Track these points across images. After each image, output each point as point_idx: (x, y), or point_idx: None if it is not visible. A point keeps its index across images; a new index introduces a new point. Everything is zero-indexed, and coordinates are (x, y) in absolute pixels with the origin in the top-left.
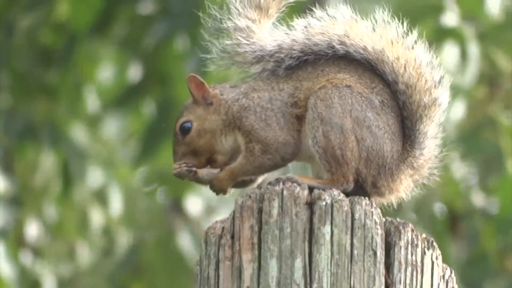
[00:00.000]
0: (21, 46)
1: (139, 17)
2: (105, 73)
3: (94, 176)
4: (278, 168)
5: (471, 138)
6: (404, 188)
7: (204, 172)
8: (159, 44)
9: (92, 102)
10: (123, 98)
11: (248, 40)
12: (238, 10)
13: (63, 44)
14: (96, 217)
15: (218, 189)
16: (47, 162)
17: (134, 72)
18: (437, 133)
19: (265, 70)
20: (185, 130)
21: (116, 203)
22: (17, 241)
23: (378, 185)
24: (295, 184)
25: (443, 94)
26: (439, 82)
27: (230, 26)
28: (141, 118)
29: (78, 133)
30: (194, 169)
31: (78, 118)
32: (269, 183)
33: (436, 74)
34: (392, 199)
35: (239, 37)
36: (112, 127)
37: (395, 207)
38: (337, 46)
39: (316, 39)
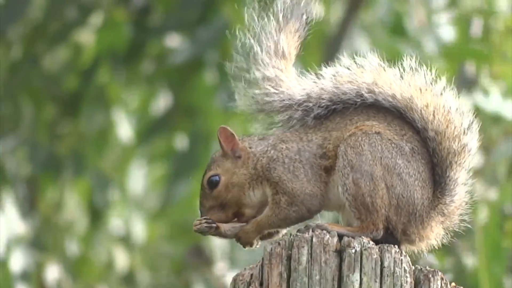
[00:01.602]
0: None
1: (167, 51)
2: (134, 104)
3: (118, 219)
4: (304, 220)
5: None
6: (435, 235)
7: (226, 227)
8: (187, 76)
9: (122, 128)
10: (153, 129)
11: (277, 89)
12: (265, 60)
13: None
14: (120, 259)
15: (245, 241)
16: (71, 199)
17: (163, 104)
18: (467, 179)
19: (292, 119)
20: (213, 184)
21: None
22: (39, 284)
23: (408, 233)
24: (324, 232)
25: (472, 140)
26: (468, 128)
27: (258, 76)
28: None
29: (105, 164)
30: (215, 225)
31: (106, 150)
32: (299, 230)
33: (465, 120)
34: (422, 246)
35: (268, 87)
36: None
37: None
38: (366, 95)
39: (344, 87)
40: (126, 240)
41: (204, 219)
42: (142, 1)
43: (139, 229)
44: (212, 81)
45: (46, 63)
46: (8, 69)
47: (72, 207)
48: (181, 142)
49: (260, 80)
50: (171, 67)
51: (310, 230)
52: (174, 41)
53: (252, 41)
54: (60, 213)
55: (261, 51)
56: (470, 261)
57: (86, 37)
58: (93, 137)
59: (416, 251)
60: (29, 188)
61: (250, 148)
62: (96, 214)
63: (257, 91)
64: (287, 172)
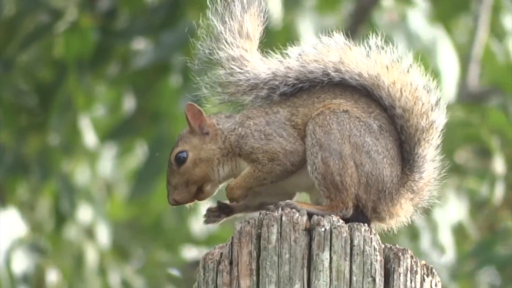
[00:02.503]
0: (16, 81)
1: (132, 53)
2: (99, 108)
3: (85, 213)
4: (289, 174)
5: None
6: (405, 212)
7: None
8: (153, 80)
9: (88, 136)
10: (117, 133)
11: (242, 69)
12: (229, 40)
13: (55, 77)
14: (91, 254)
15: (231, 197)
16: (40, 199)
17: (128, 108)
18: (435, 156)
19: (258, 97)
20: (180, 160)
21: (104, 239)
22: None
23: (378, 210)
24: (294, 210)
25: (440, 117)
26: (436, 104)
27: (223, 56)
28: (136, 156)
29: (72, 167)
30: (223, 217)
31: (73, 153)
32: (268, 208)
33: (433, 97)
34: (392, 223)
35: (233, 66)
36: (108, 163)
37: (395, 232)
38: (333, 74)
39: (311, 66)
40: (93, 239)
41: (210, 211)
42: (108, 5)
43: (105, 234)
44: (177, 85)
45: (17, 68)
46: None
47: (41, 209)
48: (141, 147)
49: (225, 60)
50: (135, 70)
51: (280, 209)
52: (140, 44)
53: (215, 21)
54: (31, 215)
55: (225, 30)
56: None
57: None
58: (59, 143)
59: (385, 228)
60: None
61: (217, 125)
62: (61, 219)
63: (221, 72)
64: (260, 140)
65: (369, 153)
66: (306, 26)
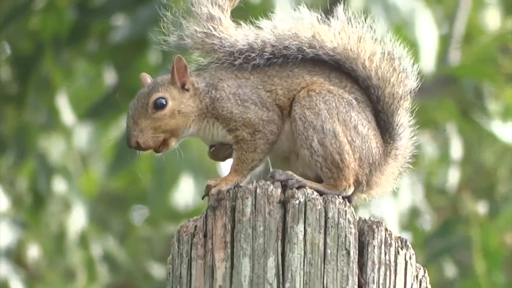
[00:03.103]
0: None
1: (111, 29)
2: (78, 84)
3: (61, 189)
4: (271, 144)
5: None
6: (390, 181)
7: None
8: (131, 57)
9: (65, 113)
10: (96, 109)
11: (218, 34)
12: None
13: (32, 54)
14: (71, 228)
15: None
16: (19, 175)
17: (108, 84)
18: (410, 121)
19: (230, 64)
20: (158, 106)
21: (81, 215)
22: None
23: (370, 183)
24: (268, 183)
25: (414, 83)
26: (411, 71)
27: (203, 12)
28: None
29: (49, 145)
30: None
31: (50, 129)
32: (272, 177)
33: (407, 64)
34: (376, 194)
35: (210, 27)
36: (84, 138)
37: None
38: (307, 50)
39: (286, 42)
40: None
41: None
42: None
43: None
44: (157, 62)
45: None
46: None
47: (20, 186)
48: (120, 123)
49: (204, 16)
50: (112, 45)
51: (291, 189)
52: (119, 21)
53: None
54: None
55: None
56: None
57: (32, 21)
58: (37, 122)
59: (366, 198)
60: None
61: (197, 84)
62: (39, 196)
63: (198, 29)
64: (237, 106)
65: (356, 128)
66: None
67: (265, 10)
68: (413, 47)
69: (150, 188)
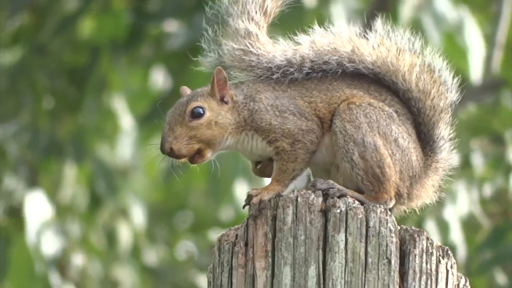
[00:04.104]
0: (49, 65)
1: (165, 35)
2: (133, 89)
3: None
4: (312, 153)
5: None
6: (430, 194)
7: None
8: (185, 63)
9: (124, 117)
10: (151, 115)
11: (256, 51)
12: (251, 12)
13: (88, 59)
14: (124, 234)
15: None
16: (73, 179)
17: (162, 90)
18: (450, 134)
19: (267, 78)
20: (196, 115)
21: (140, 219)
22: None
23: (411, 196)
24: (309, 192)
25: (455, 95)
26: (452, 84)
27: (241, 28)
28: None
29: (107, 150)
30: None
31: (108, 134)
32: (313, 186)
33: (448, 77)
34: (416, 206)
35: (248, 44)
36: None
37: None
38: (347, 64)
39: (326, 57)
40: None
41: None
42: None
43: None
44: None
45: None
46: (13, 61)
47: (74, 191)
48: None
49: (241, 32)
50: (169, 52)
51: (332, 198)
52: (172, 27)
53: None
54: (61, 196)
55: (251, 1)
56: None
57: (87, 26)
58: (94, 125)
59: (406, 210)
60: (30, 173)
61: (235, 96)
62: (97, 201)
63: (235, 46)
64: (275, 117)
65: (397, 141)
66: (338, 9)
67: (320, 18)
68: (462, 55)
69: (206, 194)
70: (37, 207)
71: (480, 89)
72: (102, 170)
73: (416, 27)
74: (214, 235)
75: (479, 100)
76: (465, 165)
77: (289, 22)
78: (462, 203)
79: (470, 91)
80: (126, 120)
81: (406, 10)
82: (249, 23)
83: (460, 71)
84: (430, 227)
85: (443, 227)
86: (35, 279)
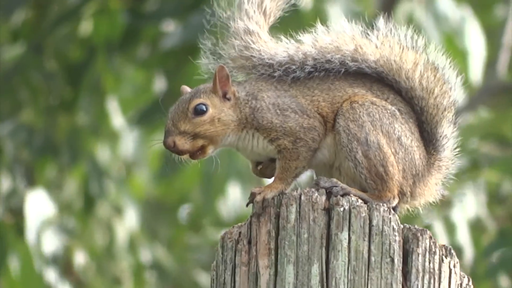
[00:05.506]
0: (45, 62)
1: (161, 35)
2: (128, 89)
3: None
4: (315, 151)
5: None
6: (433, 192)
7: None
8: (181, 63)
9: (115, 118)
10: (144, 115)
11: (258, 47)
12: (250, 12)
13: (84, 59)
14: (121, 233)
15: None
16: (69, 180)
17: (158, 90)
18: (453, 132)
19: (268, 76)
20: (198, 111)
21: (133, 220)
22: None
23: (414, 194)
24: (313, 190)
25: (458, 94)
26: (455, 82)
27: (241, 27)
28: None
29: (100, 150)
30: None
31: (101, 135)
32: (317, 184)
33: (451, 75)
34: (419, 204)
35: (249, 41)
36: (131, 144)
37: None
38: (350, 64)
39: (329, 56)
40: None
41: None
42: None
43: (133, 213)
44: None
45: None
46: (11, 60)
47: (70, 190)
48: None
49: (241, 31)
50: (164, 52)
51: (335, 196)
52: (170, 27)
53: None
54: (57, 195)
55: (247, 1)
56: None
57: (84, 26)
58: (89, 125)
59: (409, 209)
60: (26, 172)
61: (237, 93)
62: (90, 199)
63: (237, 42)
64: (277, 116)
65: (400, 139)
66: (335, 10)
67: (317, 19)
68: (462, 56)
69: (199, 195)
70: (37, 205)
71: (489, 92)
72: (96, 170)
73: (417, 27)
74: (214, 233)
75: (490, 105)
76: (474, 168)
77: (288, 24)
78: (470, 206)
79: (480, 94)
80: (118, 122)
81: (407, 10)
82: (249, 21)
83: (460, 74)
84: (438, 229)
85: (451, 229)
86: (35, 278)
